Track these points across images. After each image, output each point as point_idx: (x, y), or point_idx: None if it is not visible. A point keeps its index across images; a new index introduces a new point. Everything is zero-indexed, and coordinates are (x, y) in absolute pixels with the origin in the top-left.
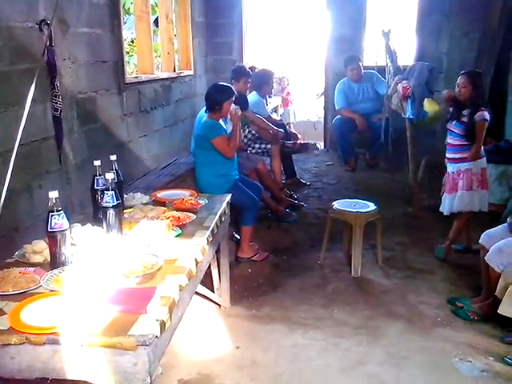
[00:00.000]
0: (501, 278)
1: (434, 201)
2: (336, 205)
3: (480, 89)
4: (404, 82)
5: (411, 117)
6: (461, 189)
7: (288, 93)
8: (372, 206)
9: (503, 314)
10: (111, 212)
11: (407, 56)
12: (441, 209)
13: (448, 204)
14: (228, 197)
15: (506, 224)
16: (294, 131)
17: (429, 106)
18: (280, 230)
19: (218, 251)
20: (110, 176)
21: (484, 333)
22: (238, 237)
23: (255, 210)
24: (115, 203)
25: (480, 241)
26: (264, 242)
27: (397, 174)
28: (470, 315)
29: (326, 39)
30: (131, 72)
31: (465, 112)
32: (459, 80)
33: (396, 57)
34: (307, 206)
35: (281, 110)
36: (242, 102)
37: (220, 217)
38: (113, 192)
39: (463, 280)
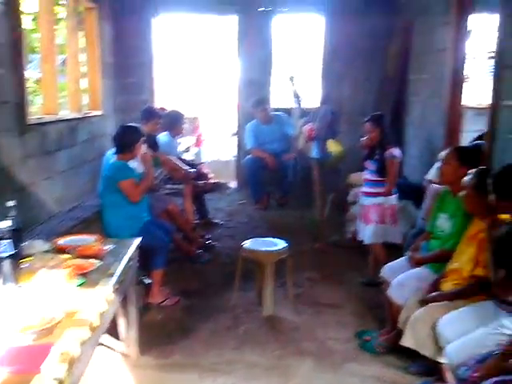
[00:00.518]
0: (403, 310)
1: (340, 236)
2: (247, 244)
3: (386, 129)
4: (309, 124)
5: (317, 157)
6: (374, 221)
7: (200, 133)
8: (282, 244)
9: (405, 345)
10: (7, 262)
11: (313, 99)
12: (360, 238)
13: (367, 233)
14: (136, 240)
15: (405, 257)
16: (205, 171)
17: (333, 147)
18: (192, 272)
19: (125, 298)
20: (5, 224)
21: (391, 365)
22: (148, 281)
23: (166, 252)
24: (11, 253)
25: (382, 274)
26: (176, 285)
27: (305, 211)
28: (376, 348)
29: (237, 82)
30: (35, 112)
31: (377, 151)
32: (366, 126)
33: (301, 100)
34: (220, 246)
35: (194, 150)
36: (153, 143)
37: (127, 262)
38: (9, 241)
39: (370, 313)
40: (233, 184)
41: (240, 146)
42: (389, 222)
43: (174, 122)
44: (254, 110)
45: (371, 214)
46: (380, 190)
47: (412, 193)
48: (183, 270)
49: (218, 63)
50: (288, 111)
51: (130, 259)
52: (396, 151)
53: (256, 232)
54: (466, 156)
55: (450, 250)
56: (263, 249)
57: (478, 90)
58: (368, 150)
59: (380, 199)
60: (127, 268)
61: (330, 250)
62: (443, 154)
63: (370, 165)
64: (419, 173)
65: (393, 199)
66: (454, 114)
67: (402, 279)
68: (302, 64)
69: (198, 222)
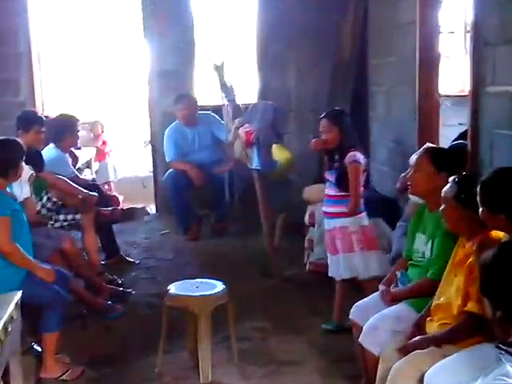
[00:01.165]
0: (380, 362)
1: (297, 269)
2: (173, 289)
3: (347, 128)
4: (246, 125)
5: (258, 168)
6: (341, 250)
7: (104, 142)
8: (220, 286)
9: None
10: None
11: (250, 93)
12: (330, 273)
13: (335, 267)
14: (17, 295)
15: (377, 292)
16: (113, 193)
17: (278, 153)
18: (101, 331)
19: (5, 374)
20: None
21: None
22: (39, 349)
23: (60, 308)
24: None
25: (350, 316)
26: (79, 351)
27: (249, 239)
28: None
29: (147, 74)
30: None
31: (336, 156)
32: (321, 125)
33: (234, 95)
34: (137, 293)
35: (96, 166)
36: (35, 160)
37: (5, 326)
38: None
39: (339, 369)
40: (151, 208)
41: (157, 157)
42: (361, 250)
43: (62, 131)
44: (174, 108)
45: (337, 241)
46: (343, 209)
47: (382, 207)
48: (88, 330)
49: (122, 50)
50: (218, 110)
51: (9, 321)
52: (358, 155)
53: (185, 272)
54: (442, 159)
55: (432, 280)
56: (195, 294)
57: (458, 74)
58: (326, 156)
59: (345, 221)
60: (5, 334)
61: (285, 288)
62: (413, 157)
63: (330, 176)
64: (389, 182)
65: (361, 219)
66: (429, 105)
67: (376, 321)
68: (232, 48)
69: (105, 262)
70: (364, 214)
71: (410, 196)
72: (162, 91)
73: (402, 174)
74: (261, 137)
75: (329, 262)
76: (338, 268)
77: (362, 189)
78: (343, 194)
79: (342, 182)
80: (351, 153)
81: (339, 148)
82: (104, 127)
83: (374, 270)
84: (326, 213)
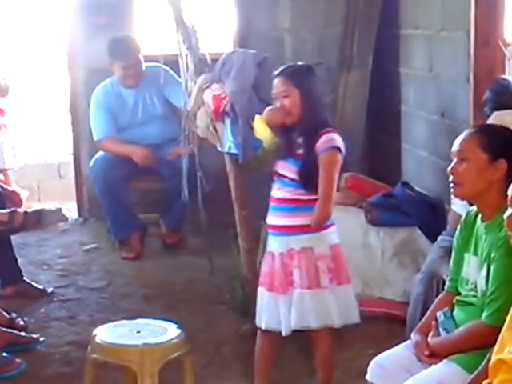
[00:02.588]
0: None
1: None
2: (102, 334)
3: (315, 96)
4: (215, 86)
5: (234, 151)
6: (298, 285)
7: (0, 110)
8: (173, 330)
9: None
10: None
11: (221, 39)
12: (263, 325)
13: (284, 314)
14: None
15: (407, 343)
16: (11, 187)
17: (263, 130)
18: None
19: None
20: None
21: None
22: None
23: None
24: None
25: (369, 376)
26: None
27: (219, 258)
28: None
29: (67, 7)
30: None
31: (300, 140)
32: (275, 86)
33: (197, 40)
34: (48, 341)
35: None
36: None
37: None
38: None
39: None
40: (71, 211)
41: (79, 134)
42: (331, 283)
43: None
44: (111, 61)
45: (294, 271)
46: (306, 221)
47: (420, 212)
48: None
49: None
50: (172, 62)
51: None
52: (337, 138)
53: (120, 308)
54: (501, 140)
55: (490, 326)
56: (136, 342)
57: None
58: (282, 136)
59: (307, 239)
60: None
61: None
62: (457, 142)
63: (287, 168)
64: (431, 174)
65: (330, 234)
66: (489, 57)
67: None
68: None
69: None
70: (334, 229)
71: (453, 199)
72: (87, 34)
73: None
74: (237, 104)
75: (263, 305)
76: (286, 314)
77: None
78: (302, 197)
79: (309, 178)
80: (328, 134)
81: (306, 125)
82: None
83: (352, 314)
84: (272, 227)
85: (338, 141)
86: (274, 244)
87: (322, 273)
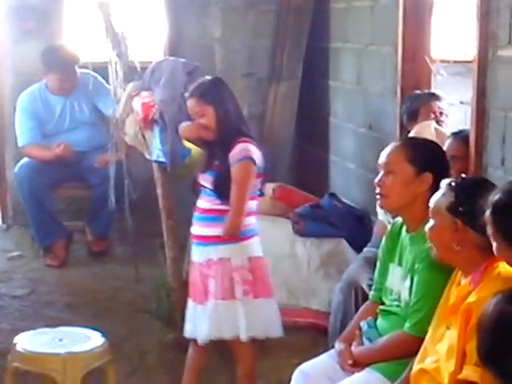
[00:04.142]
0: None
1: None
2: (24, 342)
3: (229, 108)
4: (144, 93)
5: (162, 159)
6: (213, 296)
7: None
8: (96, 338)
9: None
10: None
11: (151, 47)
12: (187, 333)
13: (200, 323)
14: None
15: (330, 352)
16: None
17: None
18: None
19: None
20: None
21: None
22: None
23: None
24: None
25: None
26: None
27: (145, 266)
28: None
29: None
30: None
31: (219, 151)
32: (190, 107)
33: (126, 46)
34: None
35: None
36: None
37: None
38: None
39: None
40: None
41: (4, 139)
42: (246, 296)
43: None
44: (45, 70)
45: (210, 282)
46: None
47: (346, 223)
48: None
49: None
50: (101, 69)
51: None
52: (251, 148)
53: (44, 315)
54: (427, 154)
55: (413, 336)
56: (58, 351)
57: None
58: (205, 150)
59: (224, 249)
60: None
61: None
62: (383, 154)
63: (205, 179)
64: (358, 186)
65: (250, 246)
66: (417, 72)
67: None
68: None
69: None
70: (256, 240)
71: (378, 210)
72: (15, 38)
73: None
74: (166, 112)
75: (189, 314)
76: (203, 324)
77: (249, 201)
78: (221, 207)
79: (223, 189)
80: (241, 144)
81: (222, 138)
82: None
83: (273, 327)
84: (194, 236)
85: (252, 151)
86: (196, 254)
87: (237, 284)
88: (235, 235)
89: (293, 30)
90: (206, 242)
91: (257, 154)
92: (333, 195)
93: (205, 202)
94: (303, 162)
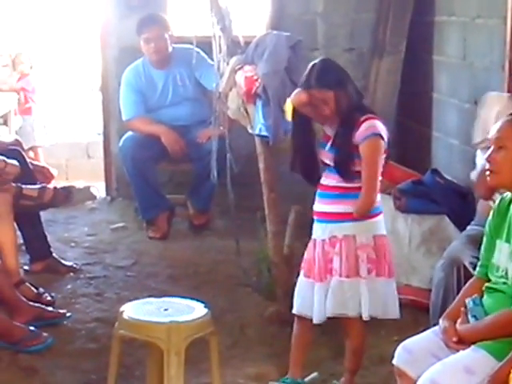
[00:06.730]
0: None
1: None
2: (129, 311)
3: (345, 88)
4: (247, 67)
5: (264, 133)
6: (337, 273)
7: (30, 86)
8: (200, 309)
9: None
10: None
11: (254, 21)
12: (297, 310)
13: (318, 301)
14: None
15: (434, 329)
16: (42, 163)
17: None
18: (16, 374)
19: None
20: None
21: None
22: None
23: None
24: None
25: (395, 361)
26: None
27: (246, 240)
28: None
29: None
30: None
31: (340, 128)
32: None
33: (230, 21)
34: (74, 316)
35: (17, 122)
36: None
37: None
38: None
39: None
40: (99, 190)
41: (109, 113)
42: (369, 274)
43: None
44: (138, 39)
45: (334, 259)
46: (349, 209)
47: (449, 200)
48: None
49: None
50: (205, 44)
51: None
52: (379, 125)
53: (147, 286)
54: None
55: None
56: (162, 320)
57: None
58: (324, 124)
59: (349, 227)
60: None
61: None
62: (494, 129)
63: (326, 155)
64: (461, 162)
65: (376, 224)
66: None
67: (436, 375)
68: None
69: (28, 268)
70: (380, 218)
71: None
72: (120, 14)
73: (478, 169)
74: (269, 86)
75: (301, 291)
76: (323, 301)
77: (377, 178)
78: (345, 184)
79: (344, 167)
80: (368, 121)
81: (346, 117)
82: (33, 64)
83: (391, 309)
84: (317, 213)
85: (379, 127)
86: (318, 231)
87: (362, 262)
88: (368, 214)
89: (396, 4)
90: (330, 219)
91: (383, 129)
92: (435, 171)
93: (328, 179)
94: (405, 138)
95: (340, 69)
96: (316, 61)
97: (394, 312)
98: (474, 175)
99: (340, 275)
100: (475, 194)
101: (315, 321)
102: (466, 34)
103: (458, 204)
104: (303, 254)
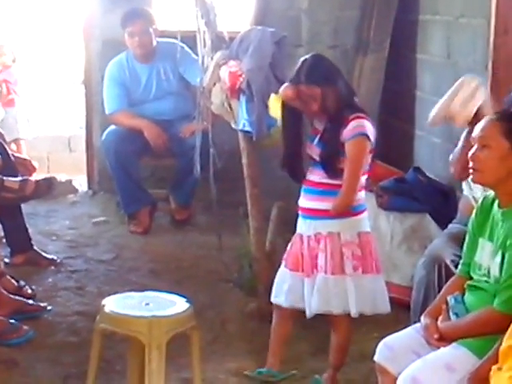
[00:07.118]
0: None
1: None
2: (111, 305)
3: (336, 85)
4: (232, 62)
5: (248, 129)
6: (322, 270)
7: (13, 78)
8: (181, 304)
9: None
10: None
11: (239, 17)
12: (284, 303)
13: (307, 296)
14: None
15: (414, 326)
16: (24, 156)
17: (277, 108)
18: None
19: None
20: None
21: None
22: None
23: None
24: None
25: (376, 357)
26: None
27: (227, 235)
28: None
29: None
30: None
31: (329, 123)
32: (286, 91)
33: (215, 15)
34: (55, 310)
35: None
36: None
37: None
38: None
39: None
40: (81, 184)
41: (92, 106)
42: (355, 271)
43: None
44: (122, 33)
45: (319, 255)
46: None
47: (431, 198)
48: None
49: None
50: (189, 38)
51: None
52: (366, 124)
53: (129, 280)
54: None
55: (502, 313)
56: (144, 314)
57: None
58: (312, 119)
59: (333, 224)
60: None
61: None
62: (478, 127)
63: (313, 149)
64: (443, 160)
65: (360, 221)
66: (509, 45)
67: (417, 372)
68: None
69: (9, 260)
70: (365, 215)
71: (464, 185)
72: (104, 6)
73: (456, 149)
74: (253, 82)
75: (284, 284)
76: (309, 296)
77: (363, 177)
78: (331, 181)
79: (330, 163)
80: (357, 120)
81: (335, 114)
82: (15, 56)
83: (382, 304)
84: (302, 209)
85: (366, 127)
86: (303, 226)
87: (347, 259)
88: (345, 211)
89: (381, 2)
90: (315, 215)
91: (371, 129)
92: (418, 169)
93: (313, 175)
94: (388, 136)
95: (331, 65)
96: (307, 56)
97: (383, 307)
98: (451, 156)
99: (325, 272)
100: (451, 171)
101: (308, 315)
102: (449, 32)
103: (440, 202)
104: (285, 250)
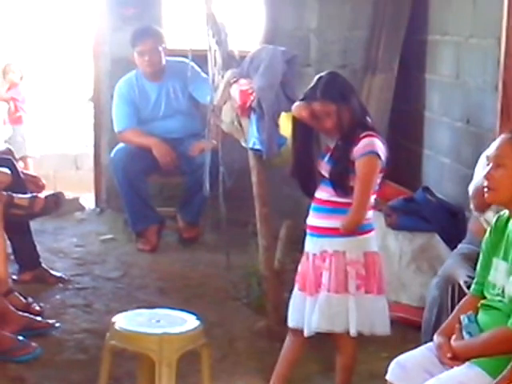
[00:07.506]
0: None
1: None
2: (120, 322)
3: (350, 102)
4: (243, 81)
5: (258, 147)
6: (326, 288)
7: (21, 96)
8: (192, 321)
9: None
10: None
11: (249, 36)
12: (291, 323)
13: (308, 314)
14: None
15: (427, 346)
16: (32, 173)
17: (287, 127)
18: (6, 382)
19: None
20: None
21: None
22: None
23: None
24: None
25: (388, 376)
26: None
27: (236, 254)
28: None
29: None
30: None
31: (340, 142)
32: (300, 108)
33: (226, 35)
34: (63, 327)
35: (5, 131)
36: None
37: None
38: None
39: None
40: (90, 201)
41: (101, 124)
42: (358, 290)
43: None
44: (132, 51)
45: (324, 273)
46: (339, 224)
47: (440, 218)
48: None
49: None
50: (200, 57)
51: None
52: (377, 143)
53: (138, 298)
54: None
55: None
56: (155, 331)
57: None
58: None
59: (340, 242)
60: None
61: (286, 333)
62: (493, 147)
63: (323, 166)
64: (453, 181)
65: (367, 241)
66: None
67: None
68: None
69: (17, 277)
70: (372, 235)
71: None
72: (114, 25)
73: (476, 182)
74: (264, 100)
75: (293, 304)
76: (310, 314)
77: (372, 197)
78: (339, 199)
79: (339, 180)
80: (368, 139)
81: (347, 132)
82: (23, 75)
83: (381, 325)
84: (309, 227)
85: (378, 146)
86: (310, 244)
87: (351, 278)
88: (353, 231)
89: (390, 22)
90: (321, 233)
91: (382, 148)
92: (426, 189)
93: (322, 193)
94: (396, 156)
95: (346, 83)
96: (323, 73)
97: (382, 329)
98: (470, 188)
99: (328, 290)
100: (470, 206)
101: (306, 334)
102: (459, 53)
103: (449, 222)
104: (294, 269)
